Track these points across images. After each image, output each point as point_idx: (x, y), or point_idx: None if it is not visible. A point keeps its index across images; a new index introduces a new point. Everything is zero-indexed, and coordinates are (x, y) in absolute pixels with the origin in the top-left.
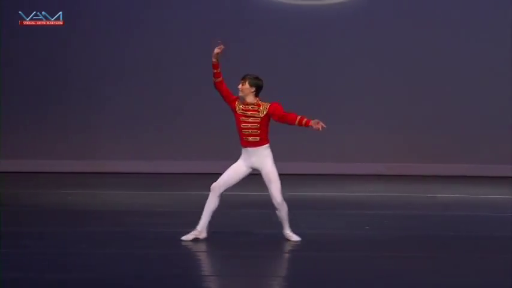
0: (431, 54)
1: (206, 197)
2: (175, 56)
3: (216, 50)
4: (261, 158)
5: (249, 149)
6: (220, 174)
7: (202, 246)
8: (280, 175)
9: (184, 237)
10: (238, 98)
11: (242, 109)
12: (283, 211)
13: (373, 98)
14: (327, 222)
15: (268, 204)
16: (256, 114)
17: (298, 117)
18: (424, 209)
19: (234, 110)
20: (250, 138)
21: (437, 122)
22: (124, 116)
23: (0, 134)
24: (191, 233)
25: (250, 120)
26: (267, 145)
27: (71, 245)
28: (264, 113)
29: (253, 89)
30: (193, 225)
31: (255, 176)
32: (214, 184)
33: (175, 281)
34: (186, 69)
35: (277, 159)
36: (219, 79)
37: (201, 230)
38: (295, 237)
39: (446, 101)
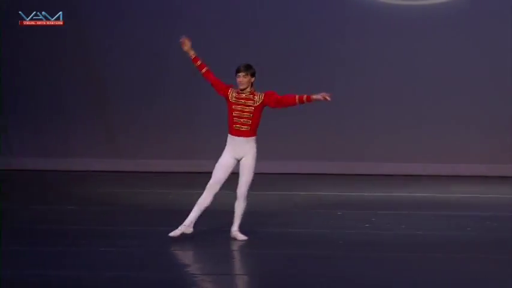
0: None
1: (308, 197)
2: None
3: (184, 47)
4: (247, 149)
5: (237, 138)
6: (324, 174)
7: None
8: (381, 175)
9: (172, 234)
10: (231, 86)
11: (235, 97)
12: (241, 205)
13: (473, 98)
14: (429, 223)
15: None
16: (250, 102)
17: (297, 96)
18: None
19: (226, 98)
20: (243, 127)
21: None
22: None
23: (101, 134)
24: (179, 229)
25: (243, 108)
26: (255, 138)
27: (171, 243)
28: (259, 102)
29: (253, 79)
30: (291, 224)
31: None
32: (210, 183)
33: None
34: None
35: (381, 159)
36: (204, 70)
37: (188, 225)
38: (241, 236)
39: None
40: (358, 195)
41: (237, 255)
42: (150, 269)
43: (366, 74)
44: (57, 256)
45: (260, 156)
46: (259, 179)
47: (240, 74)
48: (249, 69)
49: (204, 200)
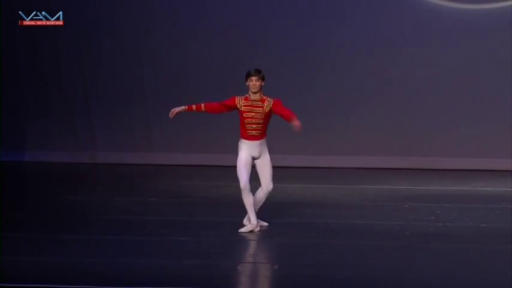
0: None
1: (377, 191)
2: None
3: (174, 114)
4: (261, 149)
5: (251, 142)
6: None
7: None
8: (448, 170)
9: (242, 230)
10: (234, 97)
11: (244, 105)
12: (263, 198)
13: None
14: (493, 216)
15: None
16: (260, 110)
17: (293, 117)
18: None
19: (236, 108)
20: (254, 133)
21: None
22: None
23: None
24: (248, 226)
25: (254, 115)
26: (266, 138)
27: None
28: (268, 108)
29: (263, 83)
30: (361, 217)
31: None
32: (242, 185)
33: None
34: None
35: (446, 154)
36: (203, 107)
37: (256, 223)
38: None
39: None
40: (425, 189)
41: (306, 246)
42: (226, 258)
43: (444, 69)
44: (140, 245)
45: (333, 151)
46: (332, 173)
47: (253, 77)
48: (260, 73)
49: (248, 200)
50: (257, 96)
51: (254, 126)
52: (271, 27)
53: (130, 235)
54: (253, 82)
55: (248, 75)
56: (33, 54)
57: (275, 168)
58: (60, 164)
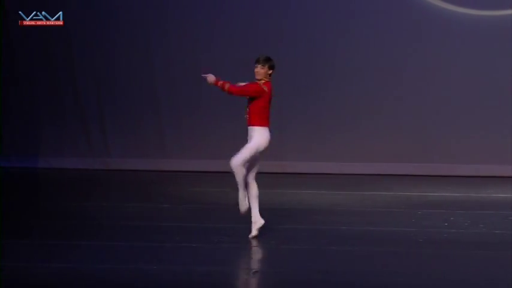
0: None
1: (390, 197)
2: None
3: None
4: (251, 137)
5: (248, 127)
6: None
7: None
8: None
9: (251, 235)
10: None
11: None
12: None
13: None
14: (507, 222)
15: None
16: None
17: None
18: None
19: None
20: (246, 116)
21: None
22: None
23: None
24: (254, 228)
25: (247, 100)
26: (259, 127)
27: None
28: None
29: (270, 72)
30: (373, 223)
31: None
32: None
33: (357, 277)
34: None
35: (459, 160)
36: (226, 90)
37: (257, 220)
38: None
39: None
40: (438, 195)
41: (318, 252)
42: (239, 264)
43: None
44: (153, 251)
45: (345, 157)
46: (344, 179)
47: (258, 64)
48: (267, 61)
49: (252, 191)
50: (261, 83)
51: (245, 110)
52: (281, 34)
53: (143, 241)
54: (258, 69)
55: (255, 62)
56: (46, 58)
57: (285, 174)
58: (73, 171)
